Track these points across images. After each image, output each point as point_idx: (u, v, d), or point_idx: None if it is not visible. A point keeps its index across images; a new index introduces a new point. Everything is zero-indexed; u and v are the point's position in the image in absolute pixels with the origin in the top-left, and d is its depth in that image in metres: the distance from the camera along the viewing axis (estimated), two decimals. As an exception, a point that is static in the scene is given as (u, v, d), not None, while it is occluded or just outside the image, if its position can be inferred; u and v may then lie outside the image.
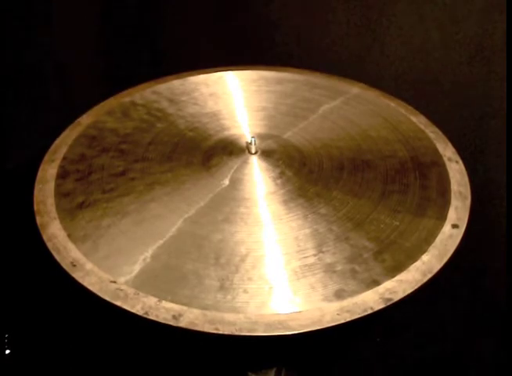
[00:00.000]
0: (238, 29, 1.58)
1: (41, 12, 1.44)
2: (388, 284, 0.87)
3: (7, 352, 1.12)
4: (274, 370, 1.08)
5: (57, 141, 1.14)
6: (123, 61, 1.61)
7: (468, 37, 1.29)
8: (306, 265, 0.89)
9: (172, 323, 0.82)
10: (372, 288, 0.86)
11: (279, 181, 1.04)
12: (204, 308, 0.83)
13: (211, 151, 1.11)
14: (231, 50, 1.56)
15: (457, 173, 1.07)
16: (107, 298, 0.85)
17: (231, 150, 1.11)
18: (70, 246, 0.93)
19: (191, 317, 0.82)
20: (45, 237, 0.95)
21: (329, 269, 0.89)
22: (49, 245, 0.93)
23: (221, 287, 0.86)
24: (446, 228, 0.96)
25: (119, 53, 1.61)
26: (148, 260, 0.89)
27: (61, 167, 1.08)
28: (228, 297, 0.84)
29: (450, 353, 1.45)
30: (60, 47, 1.50)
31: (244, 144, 1.12)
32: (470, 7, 1.26)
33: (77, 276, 0.88)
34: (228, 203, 1.00)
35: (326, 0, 1.44)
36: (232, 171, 1.06)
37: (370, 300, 0.85)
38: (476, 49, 1.29)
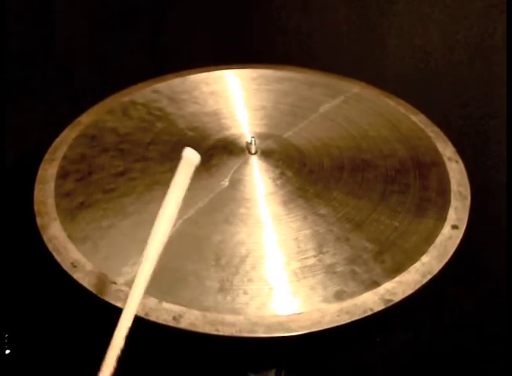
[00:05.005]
0: (238, 29, 1.58)
1: (41, 9, 1.44)
2: (388, 285, 0.87)
3: (7, 352, 1.12)
4: (274, 370, 1.08)
5: (57, 140, 1.14)
6: (123, 59, 1.61)
7: (468, 37, 1.29)
8: (306, 267, 0.89)
9: (172, 324, 0.82)
10: (372, 289, 0.86)
11: (278, 181, 1.04)
12: (205, 309, 0.83)
13: (211, 151, 1.11)
14: (230, 50, 1.56)
15: (457, 173, 1.07)
16: (108, 299, 0.85)
17: (231, 149, 1.11)
18: (71, 247, 0.93)
19: (191, 318, 0.82)
20: (45, 238, 0.95)
21: (330, 270, 0.89)
22: (50, 246, 0.93)
23: (222, 289, 0.86)
24: (446, 229, 0.96)
25: (119, 51, 1.61)
26: (148, 261, 0.89)
27: (61, 167, 1.08)
28: (229, 298, 0.84)
29: (451, 353, 1.45)
30: (60, 45, 1.50)
31: (244, 144, 1.12)
32: (470, 7, 1.26)
33: (77, 276, 0.88)
34: (228, 203, 1.00)
35: (326, 0, 1.44)
36: (232, 171, 1.06)
37: (370, 301, 0.85)
38: (476, 49, 1.29)
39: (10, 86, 1.38)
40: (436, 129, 1.16)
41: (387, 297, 0.86)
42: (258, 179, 1.05)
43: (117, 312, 0.71)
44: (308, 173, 1.06)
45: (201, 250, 0.91)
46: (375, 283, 0.87)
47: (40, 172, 1.07)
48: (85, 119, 1.19)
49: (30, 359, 1.14)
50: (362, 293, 0.86)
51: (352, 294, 0.86)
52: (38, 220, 0.98)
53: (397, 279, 0.88)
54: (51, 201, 1.01)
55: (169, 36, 1.62)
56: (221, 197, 1.01)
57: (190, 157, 0.82)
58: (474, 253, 1.32)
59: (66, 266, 0.90)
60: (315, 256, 0.91)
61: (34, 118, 1.46)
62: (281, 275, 0.88)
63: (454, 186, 1.04)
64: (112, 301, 0.85)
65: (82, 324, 1.18)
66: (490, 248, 1.42)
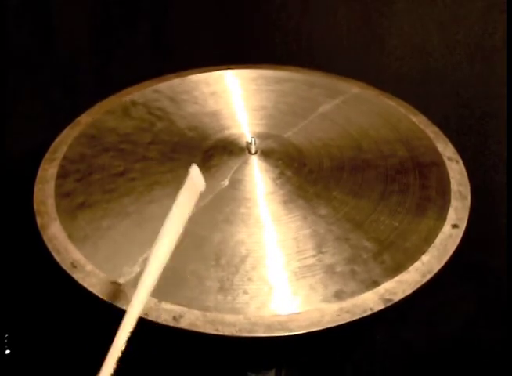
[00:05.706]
0: (238, 29, 1.58)
1: (41, 9, 1.44)
2: (388, 285, 0.87)
3: (7, 352, 1.12)
4: (274, 370, 1.08)
5: (57, 140, 1.14)
6: (123, 59, 1.61)
7: (468, 37, 1.29)
8: (306, 266, 0.89)
9: (172, 324, 0.82)
10: (371, 289, 0.86)
11: (278, 181, 1.04)
12: (205, 309, 0.83)
13: (211, 151, 1.11)
14: (230, 50, 1.56)
15: (457, 173, 1.07)
16: (107, 299, 0.85)
17: (231, 149, 1.11)
18: (71, 247, 0.92)
19: (191, 318, 0.82)
20: (45, 238, 0.94)
21: (329, 270, 0.89)
22: (50, 246, 0.93)
23: (222, 288, 0.86)
24: (446, 228, 0.96)
25: (119, 51, 1.61)
26: (148, 261, 0.89)
27: (61, 166, 1.08)
28: (229, 298, 0.84)
29: (451, 352, 1.46)
30: (60, 45, 1.50)
31: (244, 144, 1.12)
32: (470, 7, 1.26)
33: (77, 277, 0.88)
34: (228, 203, 1.00)
35: (326, 0, 1.44)
36: (232, 171, 1.06)
37: (370, 301, 0.85)
38: (476, 49, 1.29)
39: (10, 86, 1.38)
40: (436, 130, 1.16)
41: (387, 296, 0.86)
42: (258, 179, 1.05)
43: (117, 312, 0.71)
44: (308, 173, 1.06)
45: (201, 249, 0.91)
46: (375, 283, 0.87)
47: (40, 172, 1.07)
48: (85, 119, 1.19)
49: (30, 359, 1.14)
50: (361, 292, 0.86)
51: (352, 294, 0.85)
52: (38, 220, 0.98)
53: (397, 278, 0.88)
54: (51, 201, 1.01)
55: (169, 36, 1.62)
56: (222, 196, 1.01)
57: (196, 179, 0.83)
58: (474, 253, 1.32)
59: (66, 266, 0.89)
60: (314, 256, 0.91)
61: (34, 118, 1.46)
62: (281, 275, 0.88)
63: (454, 186, 1.04)
64: (112, 302, 0.84)
65: (82, 324, 1.18)
66: (490, 248, 1.42)
